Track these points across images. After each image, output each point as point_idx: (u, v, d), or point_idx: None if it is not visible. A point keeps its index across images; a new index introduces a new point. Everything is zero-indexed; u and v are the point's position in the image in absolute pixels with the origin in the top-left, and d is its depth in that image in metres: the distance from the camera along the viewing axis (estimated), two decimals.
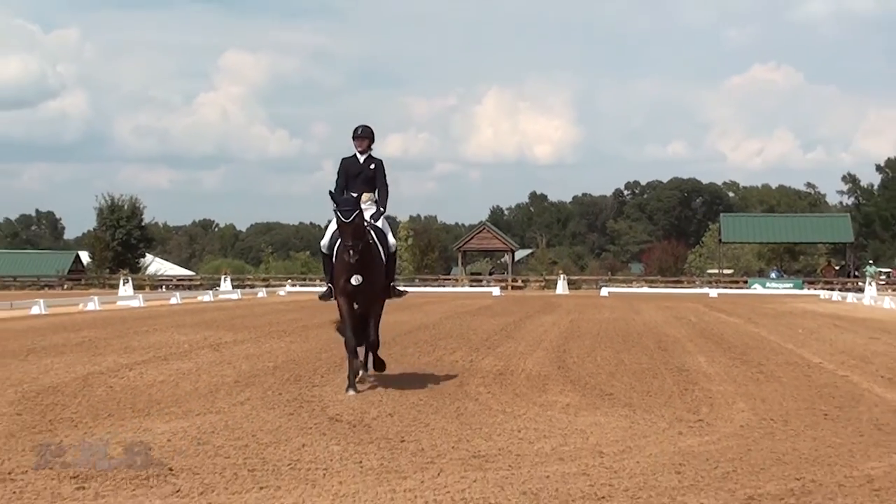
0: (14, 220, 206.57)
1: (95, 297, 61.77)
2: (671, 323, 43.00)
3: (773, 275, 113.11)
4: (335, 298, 20.66)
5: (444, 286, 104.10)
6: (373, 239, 20.08)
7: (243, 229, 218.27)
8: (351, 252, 19.19)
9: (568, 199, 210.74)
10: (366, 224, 19.89)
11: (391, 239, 20.89)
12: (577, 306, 59.09)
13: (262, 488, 12.20)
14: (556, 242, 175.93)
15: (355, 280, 19.48)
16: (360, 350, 21.20)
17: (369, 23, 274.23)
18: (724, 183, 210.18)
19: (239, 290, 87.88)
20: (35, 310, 51.94)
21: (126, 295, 70.63)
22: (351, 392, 19.56)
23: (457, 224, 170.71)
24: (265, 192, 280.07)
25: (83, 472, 13.14)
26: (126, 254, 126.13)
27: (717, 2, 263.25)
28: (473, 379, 22.28)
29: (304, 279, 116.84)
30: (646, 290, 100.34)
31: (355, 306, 20.23)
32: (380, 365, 21.52)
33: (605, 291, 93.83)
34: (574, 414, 17.65)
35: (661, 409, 18.12)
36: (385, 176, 20.96)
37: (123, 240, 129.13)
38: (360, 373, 21.01)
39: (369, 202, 20.64)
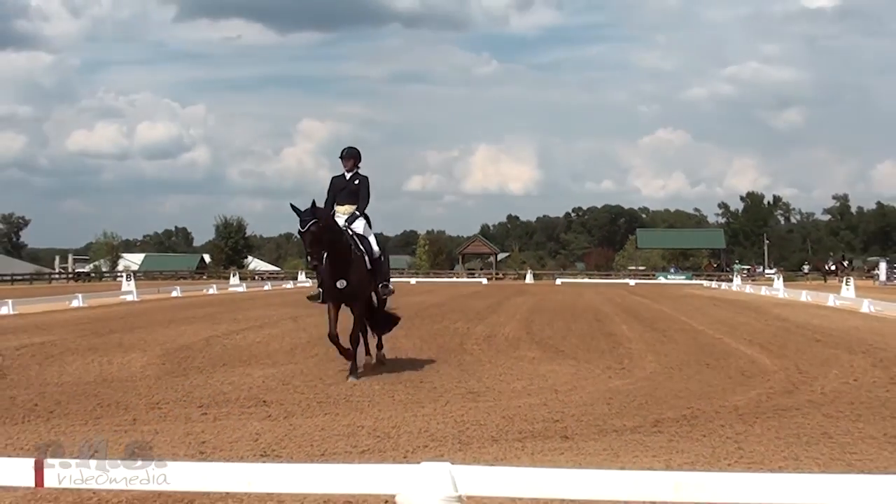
0: (160, 233, 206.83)
1: (214, 285, 61.85)
2: (604, 303, 42.95)
3: (672, 270, 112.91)
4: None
5: (449, 278, 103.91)
6: (354, 244, 15.90)
7: None
8: (309, 258, 15.40)
9: (533, 218, 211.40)
10: (344, 228, 15.88)
11: (374, 244, 16.48)
12: (540, 291, 59.04)
13: (326, 414, 12.23)
14: (525, 248, 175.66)
15: (340, 284, 15.47)
16: (371, 343, 17.57)
17: (400, 102, 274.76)
18: (639, 208, 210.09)
19: (310, 280, 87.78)
20: (174, 293, 52.04)
21: (234, 283, 70.50)
22: (351, 379, 15.32)
23: (458, 236, 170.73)
24: None
25: (207, 402, 13.16)
26: (234, 256, 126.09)
27: (632, 86, 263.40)
28: (469, 340, 22.30)
29: None
30: (586, 280, 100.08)
31: (341, 307, 16.05)
32: (378, 355, 17.53)
33: (559, 281, 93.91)
34: (537, 364, 17.65)
35: (596, 361, 18.12)
36: (367, 188, 16.63)
37: (233, 246, 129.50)
38: (364, 359, 16.98)
39: (345, 214, 16.27)
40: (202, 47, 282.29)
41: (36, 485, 7.36)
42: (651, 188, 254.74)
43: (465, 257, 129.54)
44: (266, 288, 66.51)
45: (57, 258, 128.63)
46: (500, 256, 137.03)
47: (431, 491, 6.76)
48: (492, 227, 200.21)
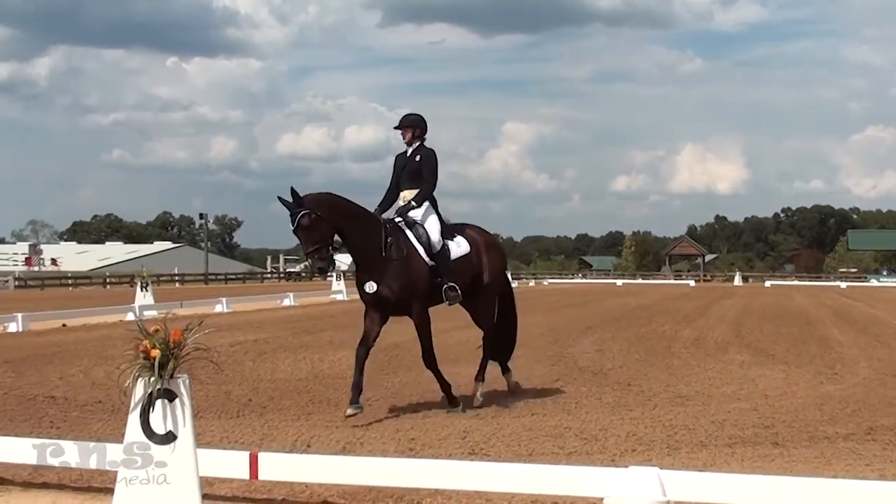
0: None
1: None
2: (814, 306, 41.84)
3: (884, 272, 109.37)
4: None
5: (655, 280, 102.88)
6: (399, 236, 12.33)
7: (518, 240, 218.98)
8: (309, 260, 12.11)
9: (741, 219, 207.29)
10: (396, 221, 12.54)
11: (434, 233, 12.57)
12: (749, 294, 57.87)
13: (533, 414, 12.22)
14: (732, 250, 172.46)
15: (369, 287, 12.15)
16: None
17: (603, 102, 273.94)
18: (850, 208, 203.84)
19: (516, 282, 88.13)
20: None
21: None
22: (350, 410, 11.61)
23: (664, 237, 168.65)
24: (533, 215, 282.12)
25: (416, 399, 13.28)
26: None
27: (841, 83, 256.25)
28: (677, 343, 22.02)
29: (560, 274, 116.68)
30: (796, 283, 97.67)
31: (376, 316, 12.52)
32: (446, 388, 12.96)
33: (767, 284, 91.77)
34: (747, 368, 17.30)
35: (807, 366, 17.64)
36: (431, 166, 12.99)
37: None
38: (475, 389, 13.40)
39: (403, 200, 12.95)
40: (407, 52, 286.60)
41: (251, 477, 7.56)
42: (862, 188, 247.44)
43: (672, 259, 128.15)
44: None
45: (269, 258, 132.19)
46: (708, 258, 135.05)
47: (640, 495, 6.70)
48: (699, 228, 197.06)
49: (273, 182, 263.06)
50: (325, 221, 11.74)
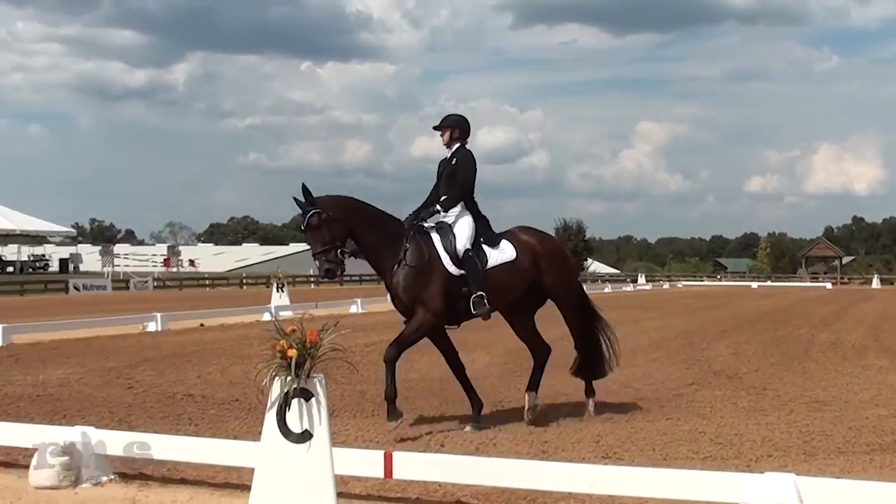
0: None
1: None
2: None
3: None
4: None
5: (791, 282, 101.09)
6: (419, 242, 11.43)
7: (652, 242, 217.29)
8: (317, 262, 11.39)
9: (879, 220, 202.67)
10: (426, 226, 11.63)
11: (460, 239, 11.49)
12: (887, 297, 56.48)
13: (667, 418, 12.10)
14: (871, 251, 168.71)
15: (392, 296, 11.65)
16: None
17: (737, 101, 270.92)
18: None
19: (650, 284, 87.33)
20: None
21: None
22: (390, 423, 10.96)
23: (800, 238, 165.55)
24: (667, 216, 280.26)
25: (547, 401, 13.26)
26: (574, 258, 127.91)
27: None
28: (813, 347, 21.61)
29: (695, 276, 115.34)
30: None
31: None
32: (390, 393, 11.16)
33: None
34: (885, 373, 16.91)
35: None
36: (465, 169, 11.95)
37: (572, 249, 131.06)
38: (529, 404, 12.09)
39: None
40: (539, 53, 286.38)
41: (385, 475, 7.62)
42: None
43: (809, 261, 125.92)
44: (606, 290, 66.52)
45: None
46: (845, 260, 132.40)
47: (776, 502, 6.60)
48: (835, 230, 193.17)
49: (407, 185, 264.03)
50: (336, 222, 11.23)
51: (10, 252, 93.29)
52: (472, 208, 11.92)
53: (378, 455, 7.66)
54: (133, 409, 12.74)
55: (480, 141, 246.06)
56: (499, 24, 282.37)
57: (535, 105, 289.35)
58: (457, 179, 11.87)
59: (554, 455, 9.70)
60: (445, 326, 12.00)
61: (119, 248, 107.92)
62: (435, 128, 12.32)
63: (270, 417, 6.91)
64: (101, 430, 8.99)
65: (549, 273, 12.19)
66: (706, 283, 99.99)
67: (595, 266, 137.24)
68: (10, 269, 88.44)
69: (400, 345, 11.55)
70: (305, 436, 6.81)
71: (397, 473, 7.58)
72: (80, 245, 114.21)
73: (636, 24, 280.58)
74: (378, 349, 19.93)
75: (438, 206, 11.78)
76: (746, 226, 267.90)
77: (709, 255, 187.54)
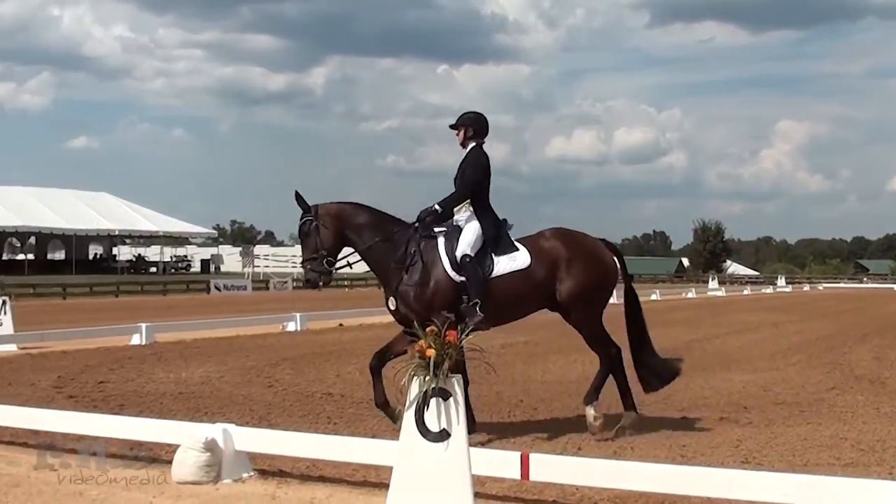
0: (639, 236, 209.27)
1: (692, 289, 61.85)
2: None
3: None
4: None
5: None
6: (428, 253, 10.95)
7: (792, 243, 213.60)
8: (304, 272, 11.60)
9: None
10: (435, 231, 11.15)
11: (462, 244, 10.93)
12: None
13: (808, 423, 11.86)
14: None
15: (390, 304, 11.17)
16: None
17: (879, 98, 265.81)
18: None
19: (790, 286, 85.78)
20: (653, 297, 52.50)
21: (713, 287, 70.08)
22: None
23: None
24: (807, 217, 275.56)
25: (687, 405, 13.12)
26: (713, 259, 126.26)
27: None
28: None
29: (836, 278, 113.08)
30: None
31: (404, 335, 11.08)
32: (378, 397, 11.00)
33: None
34: None
35: None
36: (471, 167, 11.33)
37: (711, 250, 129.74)
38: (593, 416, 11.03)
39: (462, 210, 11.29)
40: (676, 51, 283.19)
41: (522, 477, 7.60)
42: None
43: None
44: (745, 292, 65.61)
45: None
46: None
47: None
48: None
49: (544, 186, 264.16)
50: (325, 230, 11.06)
51: (154, 253, 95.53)
52: (484, 211, 11.28)
53: (515, 456, 7.65)
54: (273, 407, 12.93)
55: (618, 141, 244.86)
56: (635, 22, 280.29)
57: (673, 104, 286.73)
58: (464, 179, 11.31)
59: (692, 459, 9.59)
60: None
61: (259, 249, 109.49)
62: (451, 126, 11.68)
63: (409, 417, 6.96)
64: (242, 427, 9.15)
65: (564, 280, 11.27)
66: (848, 285, 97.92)
67: (734, 267, 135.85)
68: (154, 269, 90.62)
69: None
70: (443, 435, 6.84)
71: (534, 475, 7.56)
72: (220, 246, 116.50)
73: (774, 21, 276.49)
74: (515, 350, 19.99)
75: (436, 206, 11.19)
76: (889, 226, 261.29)
77: (850, 256, 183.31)
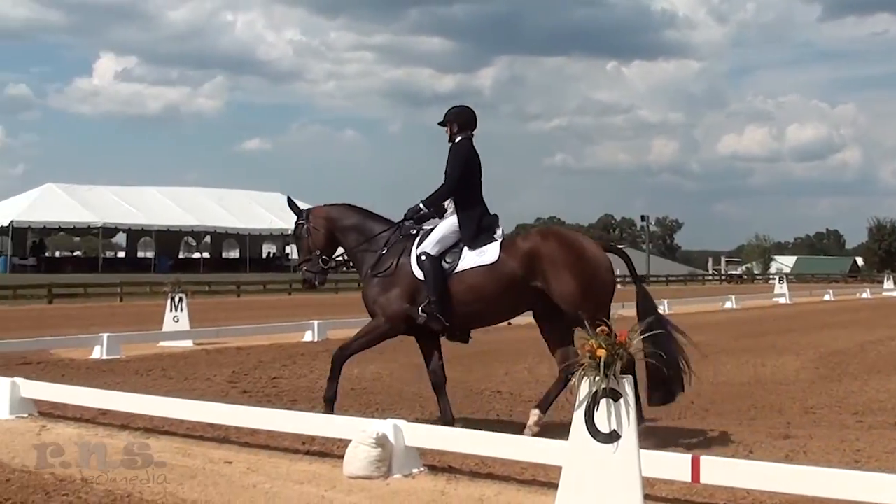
0: (811, 235, 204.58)
1: (867, 289, 60.26)
2: None
3: None
4: None
5: None
6: (401, 251, 11.08)
7: None
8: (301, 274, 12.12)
9: None
10: (414, 230, 11.19)
11: (424, 245, 10.90)
12: None
13: None
14: None
15: None
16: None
17: None
18: None
19: None
20: (826, 297, 51.22)
21: (889, 288, 67.99)
22: None
23: None
24: None
25: (861, 409, 12.79)
26: (888, 259, 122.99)
27: None
28: None
29: None
30: None
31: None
32: (329, 394, 11.45)
33: None
34: None
35: None
36: (452, 164, 11.12)
37: (886, 249, 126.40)
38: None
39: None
40: (849, 45, 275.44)
41: (692, 480, 7.51)
42: None
43: None
44: None
45: (710, 260, 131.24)
46: None
47: None
48: None
49: (714, 183, 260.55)
50: (318, 232, 11.45)
51: None
52: (467, 206, 11.03)
53: (685, 459, 7.56)
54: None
55: (790, 138, 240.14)
56: (807, 16, 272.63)
57: (847, 99, 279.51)
58: (446, 175, 11.15)
59: (867, 465, 9.33)
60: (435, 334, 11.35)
61: None
62: (439, 124, 11.46)
63: (578, 417, 6.93)
64: (412, 423, 9.24)
65: (555, 278, 10.61)
66: None
67: None
68: None
69: (344, 349, 11.47)
70: (613, 436, 6.80)
71: (704, 478, 7.45)
72: None
73: None
74: (687, 350, 19.71)
75: (421, 204, 11.14)
76: None
77: None
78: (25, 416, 11.77)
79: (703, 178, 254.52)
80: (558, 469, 7.34)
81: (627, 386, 6.81)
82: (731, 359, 18.52)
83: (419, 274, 10.82)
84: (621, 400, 6.78)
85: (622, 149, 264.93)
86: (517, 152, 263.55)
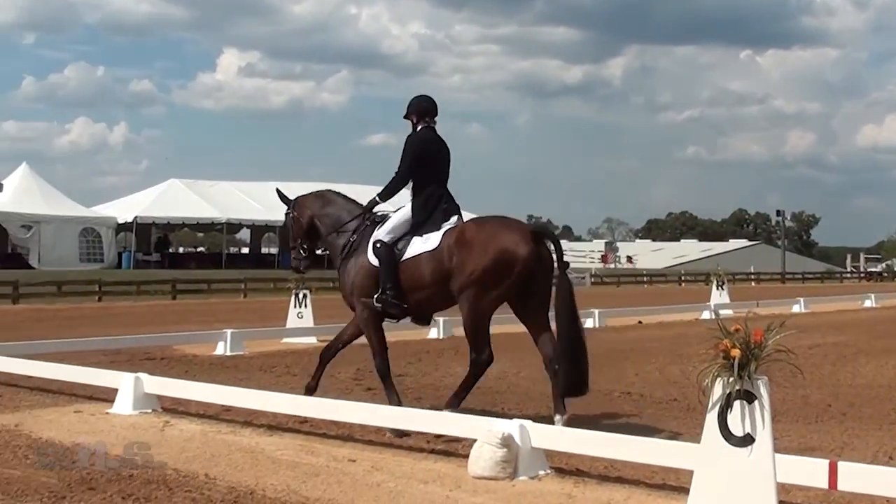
0: None
1: None
2: None
3: None
4: None
5: None
6: (364, 240, 11.58)
7: None
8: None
9: None
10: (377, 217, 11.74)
11: (378, 233, 11.33)
12: None
13: None
14: None
15: None
16: None
17: None
18: None
19: None
20: None
21: None
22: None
23: None
24: None
25: None
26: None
27: None
28: None
29: None
30: None
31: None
32: (312, 384, 12.34)
33: None
34: None
35: None
36: (403, 155, 11.57)
37: None
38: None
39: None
40: None
41: (829, 486, 7.39)
42: None
43: None
44: None
45: (848, 256, 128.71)
46: None
47: None
48: None
49: (853, 177, 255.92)
50: (297, 220, 12.21)
51: None
52: (420, 193, 11.38)
53: (822, 464, 7.43)
54: (570, 404, 12.98)
55: None
56: None
57: None
58: (399, 165, 11.58)
59: None
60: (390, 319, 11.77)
61: None
62: (404, 118, 11.89)
63: (711, 419, 6.88)
64: (539, 423, 9.24)
65: (458, 262, 10.73)
66: None
67: None
68: None
69: (375, 356, 11.71)
70: (747, 440, 6.73)
71: (842, 485, 7.32)
72: None
73: None
74: (822, 351, 19.44)
75: (376, 197, 11.72)
76: None
77: None
78: (149, 411, 12.06)
79: (842, 170, 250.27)
80: (690, 473, 7.29)
81: (762, 387, 6.73)
82: (871, 360, 18.17)
83: (374, 261, 11.26)
84: (756, 402, 6.71)
85: (756, 140, 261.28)
86: (648, 145, 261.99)
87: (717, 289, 35.67)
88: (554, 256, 10.82)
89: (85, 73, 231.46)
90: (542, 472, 8.79)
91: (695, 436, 7.37)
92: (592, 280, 68.78)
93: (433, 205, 11.28)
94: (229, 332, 19.71)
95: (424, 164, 11.43)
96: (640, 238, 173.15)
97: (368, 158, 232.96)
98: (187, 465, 9.15)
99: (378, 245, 11.20)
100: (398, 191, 11.54)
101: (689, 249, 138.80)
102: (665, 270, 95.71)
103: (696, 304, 33.59)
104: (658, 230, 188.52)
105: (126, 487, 8.33)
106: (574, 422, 10.70)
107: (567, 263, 11.01)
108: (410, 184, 11.50)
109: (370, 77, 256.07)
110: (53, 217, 68.67)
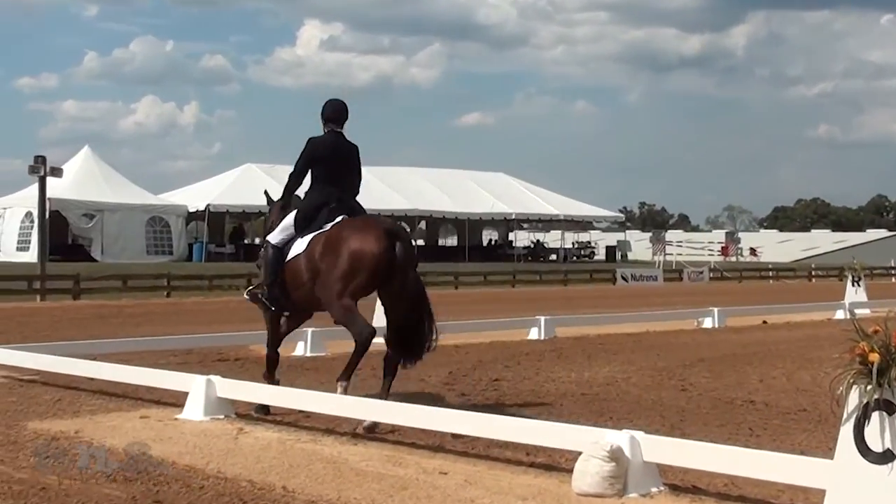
0: None
1: None
2: None
3: None
4: None
5: None
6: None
7: None
8: None
9: None
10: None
11: (270, 235, 13.08)
12: None
13: None
14: None
15: None
16: None
17: None
18: None
19: None
20: None
21: None
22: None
23: None
24: None
25: None
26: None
27: None
28: None
29: None
30: None
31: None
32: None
33: None
34: None
35: None
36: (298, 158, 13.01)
37: None
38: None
39: None
40: None
41: None
42: None
43: None
44: None
45: None
46: None
47: None
48: None
49: None
50: (273, 224, 13.29)
51: (553, 239, 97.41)
52: (309, 194, 12.79)
53: None
54: (686, 413, 12.89)
55: None
56: None
57: None
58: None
59: None
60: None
61: (671, 235, 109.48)
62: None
63: (846, 432, 6.77)
64: (652, 435, 9.15)
65: (323, 263, 12.21)
66: None
67: None
68: (553, 257, 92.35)
69: (267, 346, 13.66)
70: (887, 456, 6.62)
71: None
72: (628, 231, 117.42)
73: None
74: None
75: (270, 197, 14.06)
76: None
77: None
78: (221, 417, 12.12)
79: None
80: (821, 493, 7.19)
81: None
82: None
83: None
84: None
85: None
86: (774, 123, 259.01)
87: (853, 285, 35.13)
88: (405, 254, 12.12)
89: (152, 48, 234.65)
90: (654, 489, 8.71)
91: (827, 451, 7.26)
92: (711, 275, 68.30)
93: (316, 207, 12.59)
94: (310, 331, 19.75)
95: (316, 167, 12.72)
96: (765, 228, 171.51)
97: (462, 140, 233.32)
98: (263, 476, 9.20)
99: (264, 246, 13.02)
100: (292, 191, 13.21)
101: (821, 241, 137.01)
102: (793, 264, 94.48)
103: (828, 303, 33.15)
104: (785, 219, 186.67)
105: (196, 500, 8.40)
106: (691, 433, 10.61)
107: (416, 261, 12.88)
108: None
109: (464, 50, 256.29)
110: (118, 205, 69.63)
